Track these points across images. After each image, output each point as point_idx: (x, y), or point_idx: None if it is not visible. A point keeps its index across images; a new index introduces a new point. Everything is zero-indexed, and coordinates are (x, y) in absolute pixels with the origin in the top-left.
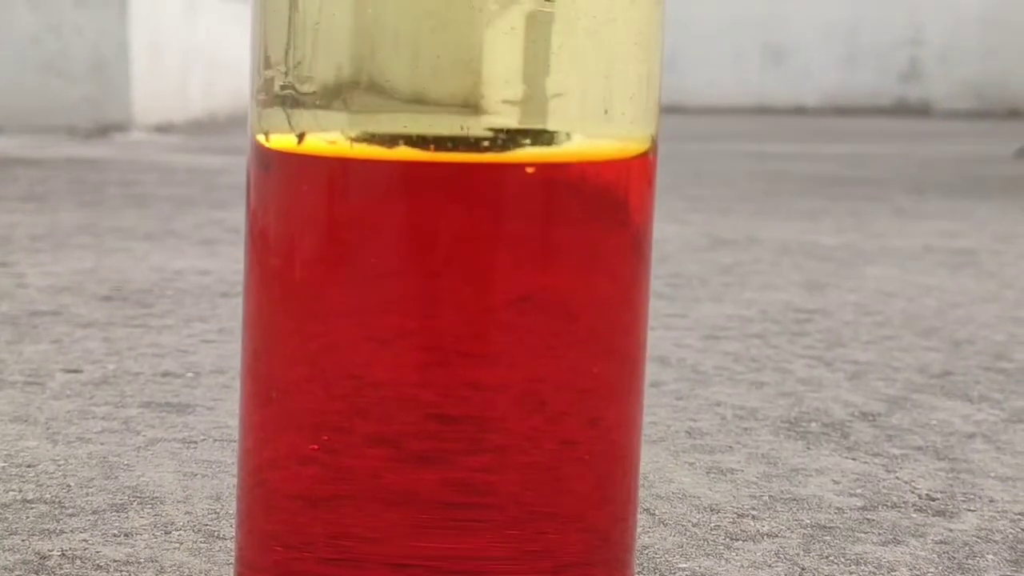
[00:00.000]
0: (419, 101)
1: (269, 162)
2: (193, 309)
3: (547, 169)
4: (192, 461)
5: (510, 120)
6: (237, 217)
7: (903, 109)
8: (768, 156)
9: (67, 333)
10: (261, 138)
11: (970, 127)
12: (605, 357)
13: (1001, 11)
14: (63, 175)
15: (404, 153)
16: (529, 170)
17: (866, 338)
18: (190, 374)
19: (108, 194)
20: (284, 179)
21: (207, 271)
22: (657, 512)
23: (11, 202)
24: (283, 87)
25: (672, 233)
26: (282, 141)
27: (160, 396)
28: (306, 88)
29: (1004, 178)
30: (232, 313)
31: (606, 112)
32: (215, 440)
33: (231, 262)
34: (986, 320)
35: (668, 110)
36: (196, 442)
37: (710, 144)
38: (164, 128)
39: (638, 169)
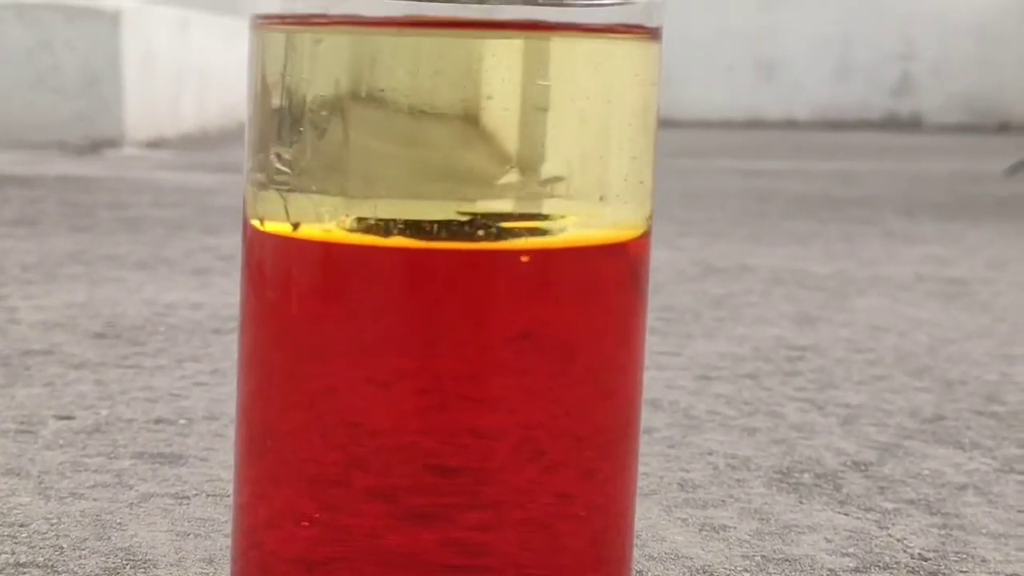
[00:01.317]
0: (414, 189)
1: (263, 242)
2: (185, 348)
3: (541, 256)
4: (185, 519)
5: (504, 205)
6: (229, 243)
7: (894, 123)
8: (759, 173)
9: (59, 375)
10: (256, 223)
11: (961, 142)
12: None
13: (992, 26)
14: (54, 196)
15: (399, 241)
16: (524, 259)
17: (858, 378)
18: (183, 420)
19: (100, 217)
20: (279, 257)
21: (199, 304)
22: (650, 574)
23: (3, 226)
24: (277, 174)
25: (664, 260)
26: (277, 227)
27: (152, 446)
28: (300, 175)
29: (995, 198)
30: (224, 352)
31: (601, 198)
32: (208, 495)
33: (223, 295)
34: (978, 358)
35: (660, 124)
36: (189, 497)
37: (701, 160)
38: (156, 143)
39: (634, 248)
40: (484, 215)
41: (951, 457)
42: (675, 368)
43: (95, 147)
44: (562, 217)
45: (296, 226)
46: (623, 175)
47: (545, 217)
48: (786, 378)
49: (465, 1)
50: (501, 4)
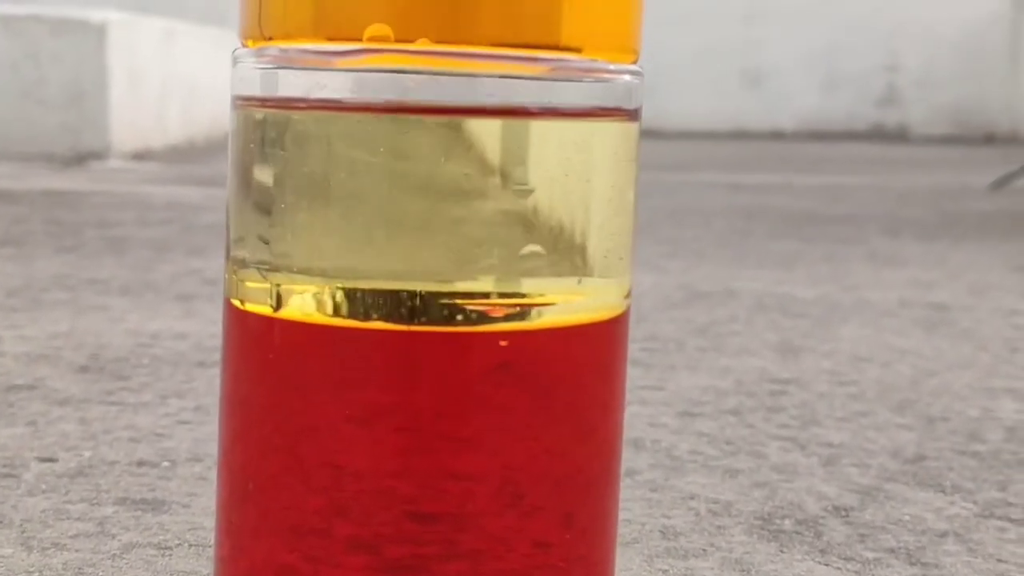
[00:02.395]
0: (394, 269)
1: (245, 320)
2: (169, 382)
3: (520, 338)
4: (167, 571)
5: (484, 285)
6: (214, 266)
7: (880, 134)
8: (745, 188)
9: (43, 413)
10: (236, 303)
11: (946, 154)
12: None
13: (977, 37)
14: (40, 213)
15: (378, 325)
16: (503, 343)
17: (840, 414)
18: (166, 463)
19: (85, 237)
20: (260, 334)
21: (183, 334)
22: None
23: None
24: (259, 261)
25: (649, 285)
26: (258, 308)
27: (135, 491)
28: (279, 256)
29: (979, 215)
30: (207, 387)
31: (580, 278)
32: (190, 545)
33: (207, 323)
34: (960, 390)
35: (646, 135)
36: (171, 548)
37: (687, 174)
38: (142, 155)
39: (613, 326)
40: (463, 294)
41: (932, 501)
42: (658, 403)
43: (81, 159)
44: (541, 295)
45: (276, 307)
46: (603, 252)
47: (523, 296)
48: (769, 414)
49: (447, 75)
50: (482, 78)
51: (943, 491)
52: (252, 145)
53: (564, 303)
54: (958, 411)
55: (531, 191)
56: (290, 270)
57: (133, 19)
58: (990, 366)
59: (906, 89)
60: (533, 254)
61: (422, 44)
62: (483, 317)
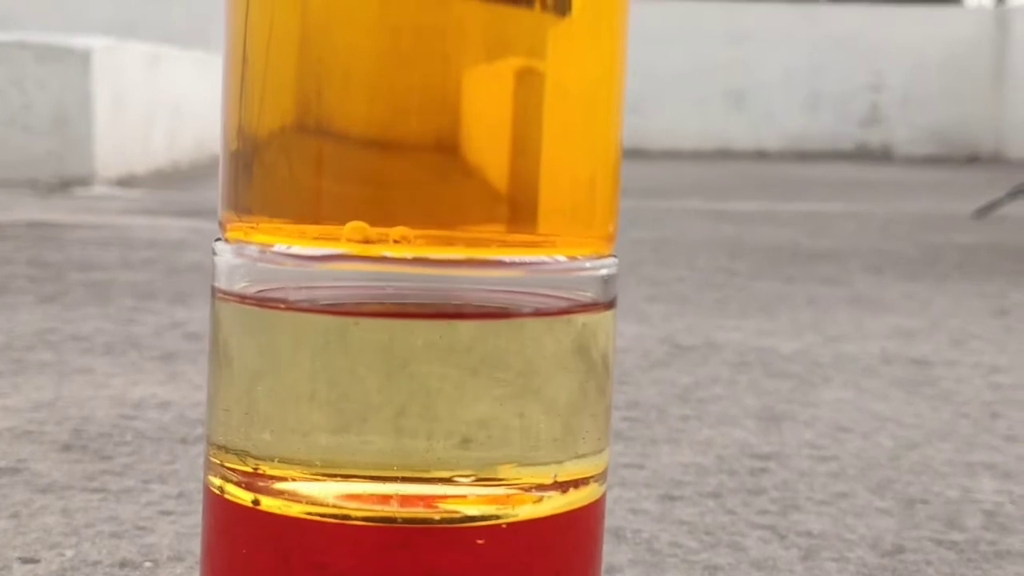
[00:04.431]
0: (371, 464)
1: (228, 510)
2: (152, 464)
3: (497, 535)
4: None
5: (461, 481)
6: (197, 317)
7: (864, 154)
8: (729, 216)
9: (26, 503)
10: (215, 491)
11: (930, 175)
12: None
13: (961, 57)
14: (24, 251)
15: (357, 520)
16: (479, 541)
17: (820, 495)
18: (148, 563)
19: (69, 282)
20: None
21: (166, 404)
22: None
23: None
24: (240, 450)
25: (631, 337)
26: (237, 495)
27: None
28: (259, 447)
29: (961, 249)
30: (190, 469)
31: (555, 476)
32: None
33: (190, 389)
34: (940, 467)
35: (631, 154)
36: None
37: (671, 201)
38: (126, 181)
39: (590, 512)
40: (440, 489)
41: None
42: (639, 485)
43: (66, 185)
44: (517, 490)
45: (256, 501)
46: (582, 435)
47: (500, 491)
48: (749, 497)
49: (424, 280)
50: (460, 280)
51: None
52: (233, 337)
53: (540, 495)
54: (937, 492)
55: (509, 387)
56: (271, 460)
57: (117, 45)
58: (970, 436)
59: (890, 109)
60: (508, 450)
61: (398, 250)
62: (462, 518)
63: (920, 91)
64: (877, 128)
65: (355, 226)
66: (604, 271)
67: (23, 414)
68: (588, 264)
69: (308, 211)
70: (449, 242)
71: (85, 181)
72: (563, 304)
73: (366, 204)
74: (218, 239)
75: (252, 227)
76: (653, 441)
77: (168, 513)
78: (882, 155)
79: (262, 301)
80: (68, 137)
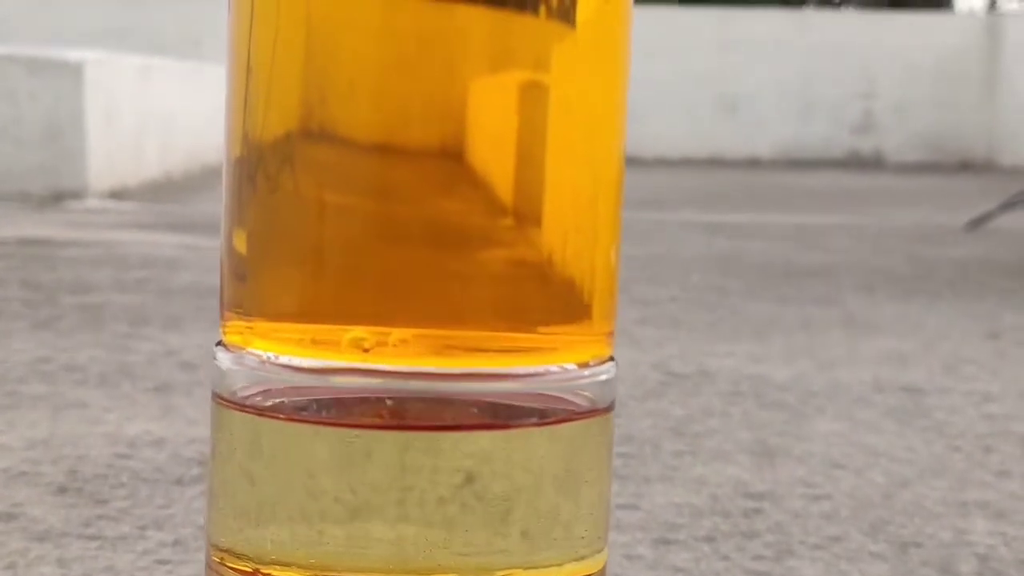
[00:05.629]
0: (372, 567)
1: None
2: (148, 508)
3: None
4: None
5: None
6: (190, 344)
7: (856, 161)
8: (721, 229)
9: (22, 552)
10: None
11: (922, 183)
12: None
13: (953, 64)
14: (16, 272)
15: None
16: None
17: (814, 539)
18: None
19: (62, 306)
20: None
21: (161, 440)
22: None
23: None
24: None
25: (624, 363)
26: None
27: None
28: (260, 549)
29: (954, 264)
30: (185, 514)
31: (560, 559)
32: None
33: (186, 425)
34: (933, 507)
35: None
36: None
37: (664, 213)
38: (119, 193)
39: None
40: None
41: None
42: (634, 528)
43: (58, 198)
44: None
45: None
46: (581, 535)
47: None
48: (743, 541)
49: (423, 394)
50: (461, 394)
51: None
52: (234, 447)
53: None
54: (930, 534)
55: (507, 502)
56: (269, 563)
57: (109, 57)
58: (963, 472)
59: (882, 116)
60: (508, 557)
61: (397, 361)
62: None
63: (912, 98)
64: (869, 135)
65: (354, 338)
66: (604, 376)
67: (18, 453)
68: (587, 372)
69: (307, 311)
70: (448, 346)
71: (78, 194)
72: (562, 412)
73: (365, 305)
74: (218, 343)
75: (249, 327)
76: (647, 480)
77: (165, 562)
78: (874, 162)
79: (261, 410)
80: (60, 150)
